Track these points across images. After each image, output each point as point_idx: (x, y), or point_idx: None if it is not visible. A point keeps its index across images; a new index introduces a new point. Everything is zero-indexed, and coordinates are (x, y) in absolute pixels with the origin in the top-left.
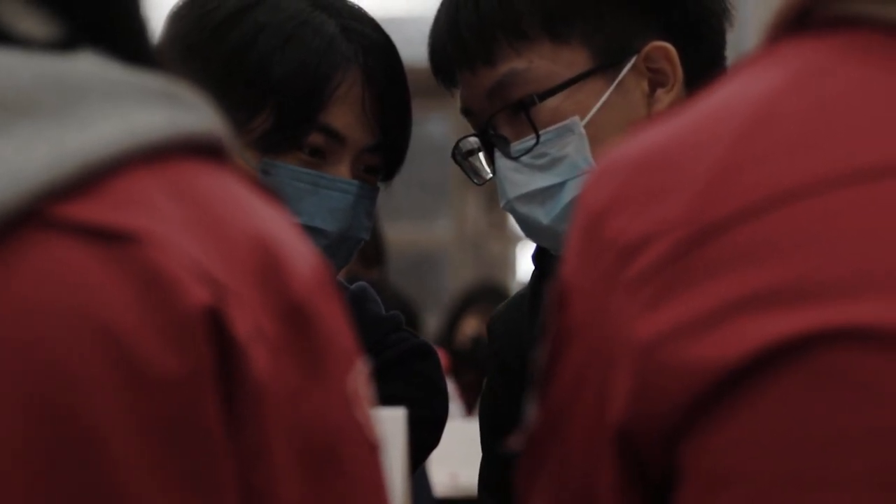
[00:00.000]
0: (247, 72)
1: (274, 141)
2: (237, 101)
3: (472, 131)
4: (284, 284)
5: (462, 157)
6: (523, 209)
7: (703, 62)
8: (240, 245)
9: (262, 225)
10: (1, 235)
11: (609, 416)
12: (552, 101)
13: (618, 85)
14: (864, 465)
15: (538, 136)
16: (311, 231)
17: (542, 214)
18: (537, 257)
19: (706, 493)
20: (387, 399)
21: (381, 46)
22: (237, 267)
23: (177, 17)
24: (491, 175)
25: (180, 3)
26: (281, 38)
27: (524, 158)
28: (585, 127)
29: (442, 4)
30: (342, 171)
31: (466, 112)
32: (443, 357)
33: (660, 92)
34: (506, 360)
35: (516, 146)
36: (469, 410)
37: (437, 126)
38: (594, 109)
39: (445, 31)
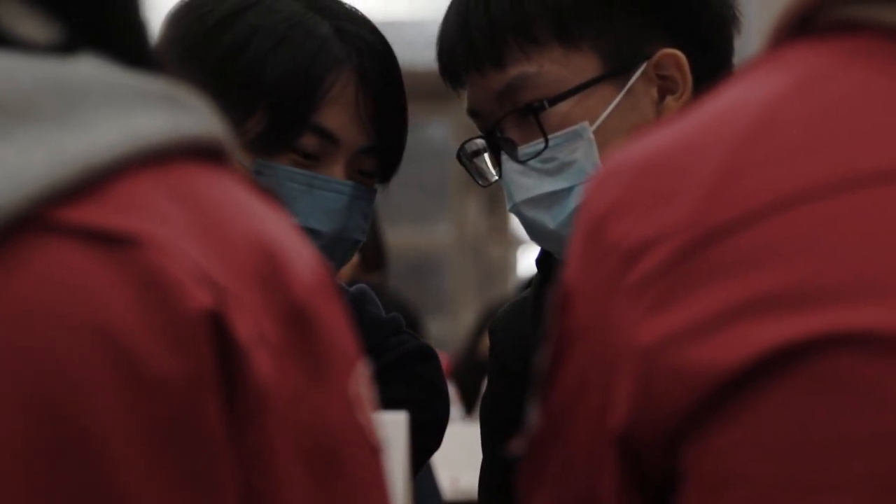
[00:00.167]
0: (240, 73)
1: (267, 142)
2: (231, 103)
3: (475, 134)
4: (285, 287)
5: (467, 159)
6: (530, 213)
7: (712, 69)
8: (241, 248)
9: (263, 228)
10: (2, 239)
11: (611, 420)
12: (562, 107)
13: (627, 91)
14: (866, 469)
15: (547, 141)
16: (306, 232)
17: (549, 219)
18: (541, 262)
19: (708, 495)
20: (388, 402)
21: (377, 48)
22: (238, 270)
23: (174, 20)
24: (496, 177)
25: (178, 6)
26: (274, 40)
27: (532, 162)
28: (594, 133)
29: (451, 5)
30: (336, 172)
31: (473, 113)
32: (443, 359)
33: (669, 99)
34: (506, 363)
35: (524, 150)
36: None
37: (438, 130)
38: (603, 115)
39: (455, 31)
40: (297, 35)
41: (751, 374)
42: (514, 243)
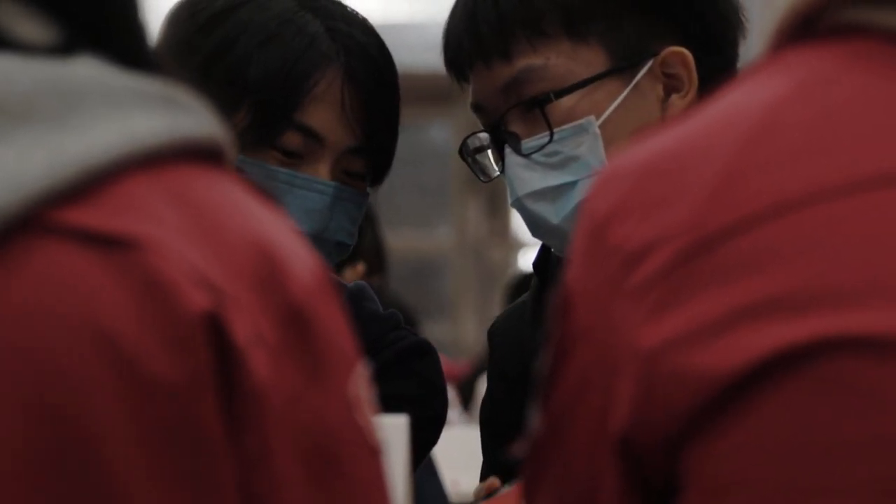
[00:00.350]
0: (227, 69)
1: (249, 139)
2: (217, 99)
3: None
4: (284, 288)
5: (469, 155)
6: (533, 207)
7: (717, 72)
8: (239, 250)
9: (261, 229)
10: (1, 240)
11: (612, 423)
12: (568, 100)
13: (634, 87)
14: (868, 473)
15: (552, 134)
16: None
17: (552, 213)
18: (538, 266)
19: (709, 499)
20: (386, 398)
21: (368, 49)
22: (236, 272)
23: (172, 18)
24: (498, 173)
25: (176, 5)
26: (262, 37)
27: (536, 156)
28: (600, 127)
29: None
30: (321, 171)
31: (477, 108)
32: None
33: (674, 97)
34: (505, 368)
35: (528, 143)
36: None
37: (439, 132)
38: (609, 110)
39: (462, 24)
40: (286, 32)
41: (753, 378)
42: (515, 246)
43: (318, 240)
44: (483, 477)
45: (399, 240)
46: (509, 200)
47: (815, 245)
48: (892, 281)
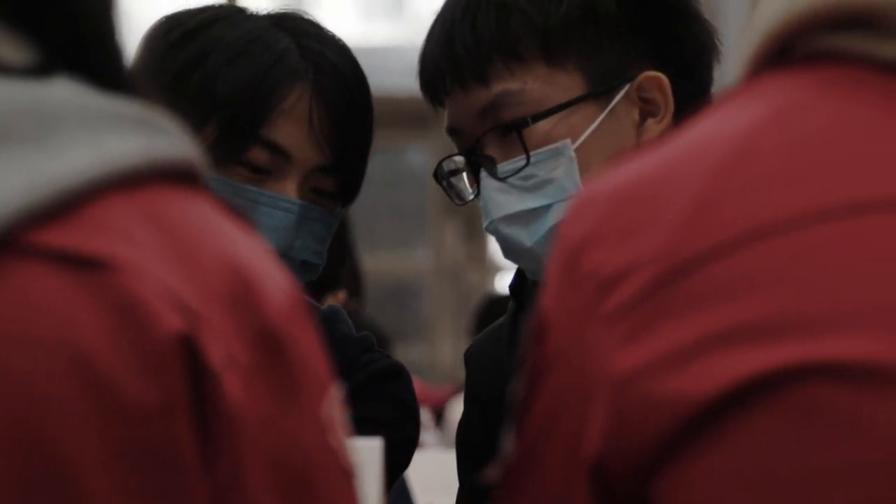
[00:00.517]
0: (196, 85)
1: (216, 154)
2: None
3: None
4: (258, 311)
5: (444, 178)
6: (507, 230)
7: (692, 96)
8: (213, 271)
9: (236, 251)
10: None
11: (585, 449)
12: (545, 124)
13: (610, 112)
14: (842, 500)
15: (528, 158)
16: None
17: (526, 236)
18: (514, 289)
19: None
20: (359, 420)
21: (340, 69)
22: (210, 293)
23: (149, 36)
24: (473, 196)
25: (154, 22)
26: (232, 53)
27: (511, 179)
28: (576, 151)
29: (435, 22)
30: (288, 188)
31: (453, 131)
32: (417, 385)
33: (650, 121)
34: (479, 391)
35: (504, 167)
36: None
37: (417, 155)
38: (585, 134)
39: (439, 48)
40: (255, 49)
41: (725, 405)
42: (492, 270)
43: (284, 258)
44: (459, 501)
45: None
46: (484, 224)
47: (789, 272)
48: (864, 308)
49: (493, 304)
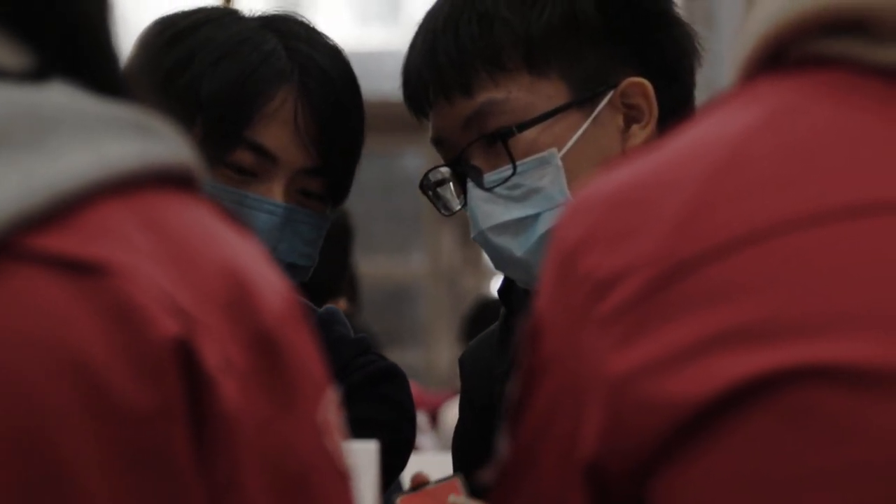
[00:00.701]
0: (183, 86)
1: (202, 156)
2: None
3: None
4: (254, 315)
5: (431, 189)
6: (496, 240)
7: (675, 101)
8: (209, 276)
9: (232, 255)
10: None
11: (580, 451)
12: (530, 133)
13: (594, 119)
14: (837, 502)
15: (515, 167)
16: None
17: (516, 246)
18: (503, 293)
19: None
20: (355, 422)
21: (328, 71)
22: (207, 298)
23: (143, 37)
24: (460, 206)
25: (149, 24)
26: (219, 54)
27: (498, 189)
28: (562, 159)
29: (418, 33)
30: (274, 191)
31: (438, 142)
32: (414, 389)
33: (635, 128)
34: (473, 397)
35: (490, 176)
36: None
37: (412, 160)
38: (571, 142)
39: (422, 59)
40: (242, 49)
41: (719, 407)
42: (488, 274)
43: None
44: None
45: (373, 267)
46: (472, 234)
47: (784, 275)
48: (858, 311)
49: (485, 308)
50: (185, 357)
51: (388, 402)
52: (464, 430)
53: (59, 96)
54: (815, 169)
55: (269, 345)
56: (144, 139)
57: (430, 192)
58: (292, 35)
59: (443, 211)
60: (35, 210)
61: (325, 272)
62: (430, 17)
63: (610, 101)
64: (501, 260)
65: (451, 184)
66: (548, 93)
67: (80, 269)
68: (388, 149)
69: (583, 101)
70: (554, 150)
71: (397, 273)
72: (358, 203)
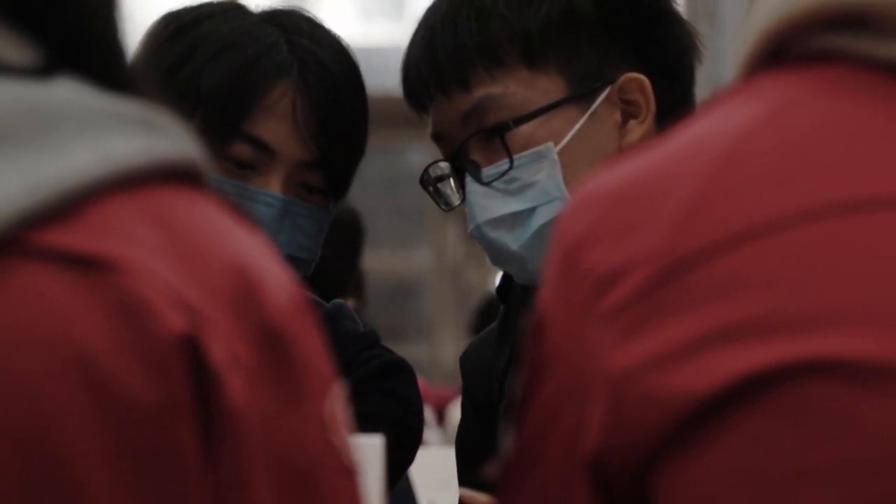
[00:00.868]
0: (184, 79)
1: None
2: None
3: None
4: (260, 310)
5: (431, 184)
6: (492, 234)
7: (675, 97)
8: (216, 271)
9: (239, 251)
10: None
11: (583, 446)
12: (527, 127)
13: (591, 114)
14: (835, 497)
15: (512, 161)
16: None
17: (511, 240)
18: (502, 291)
19: None
20: (361, 416)
21: (329, 66)
22: (213, 293)
23: (149, 32)
24: (459, 201)
25: (156, 19)
26: (219, 47)
27: (495, 183)
28: (559, 153)
29: (417, 29)
30: (273, 183)
31: (437, 137)
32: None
33: (632, 123)
34: (475, 396)
35: (488, 171)
36: None
37: (417, 155)
38: (568, 137)
39: (421, 54)
40: (241, 43)
41: (720, 402)
42: (493, 269)
43: None
44: (461, 500)
45: (377, 262)
46: (468, 228)
47: (783, 270)
48: (857, 306)
49: (493, 303)
50: (192, 353)
51: (395, 397)
52: (466, 428)
53: (65, 92)
54: (816, 164)
55: (275, 340)
56: (150, 135)
57: (431, 188)
58: (295, 30)
59: (443, 206)
60: (40, 206)
61: (334, 270)
62: (430, 13)
63: (607, 97)
64: (497, 254)
65: (451, 179)
66: (545, 88)
67: (86, 265)
68: (392, 144)
69: (580, 96)
70: (550, 144)
71: (402, 268)
72: (362, 198)
